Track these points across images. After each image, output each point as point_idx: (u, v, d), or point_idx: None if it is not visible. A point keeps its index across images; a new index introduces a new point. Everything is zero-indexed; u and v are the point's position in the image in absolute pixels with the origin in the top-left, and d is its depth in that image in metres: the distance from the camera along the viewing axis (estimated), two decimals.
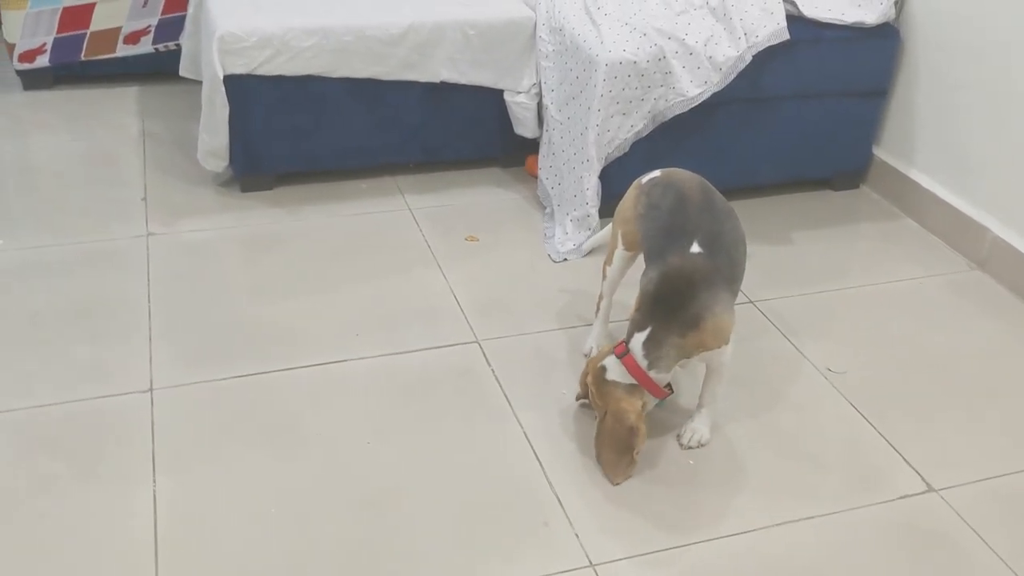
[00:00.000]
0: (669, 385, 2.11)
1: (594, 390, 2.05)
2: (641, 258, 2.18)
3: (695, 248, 2.01)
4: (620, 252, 2.27)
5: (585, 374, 2.12)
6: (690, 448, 2.14)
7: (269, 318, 2.50)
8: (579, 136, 2.85)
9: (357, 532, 1.88)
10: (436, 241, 2.88)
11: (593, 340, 2.41)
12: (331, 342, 2.41)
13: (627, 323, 2.04)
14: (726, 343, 2.03)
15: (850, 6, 2.96)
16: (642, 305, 2.01)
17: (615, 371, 2.01)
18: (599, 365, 2.03)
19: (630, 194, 2.25)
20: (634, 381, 1.99)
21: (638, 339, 1.98)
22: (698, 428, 2.15)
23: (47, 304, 2.51)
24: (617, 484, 2.03)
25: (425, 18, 2.97)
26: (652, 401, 2.06)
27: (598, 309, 2.41)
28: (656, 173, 2.22)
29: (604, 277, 2.35)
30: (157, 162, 3.24)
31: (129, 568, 1.78)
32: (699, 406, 2.16)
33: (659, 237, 2.08)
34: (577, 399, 2.24)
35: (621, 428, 1.99)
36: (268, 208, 3.01)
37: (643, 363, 1.98)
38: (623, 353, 2.00)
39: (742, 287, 2.69)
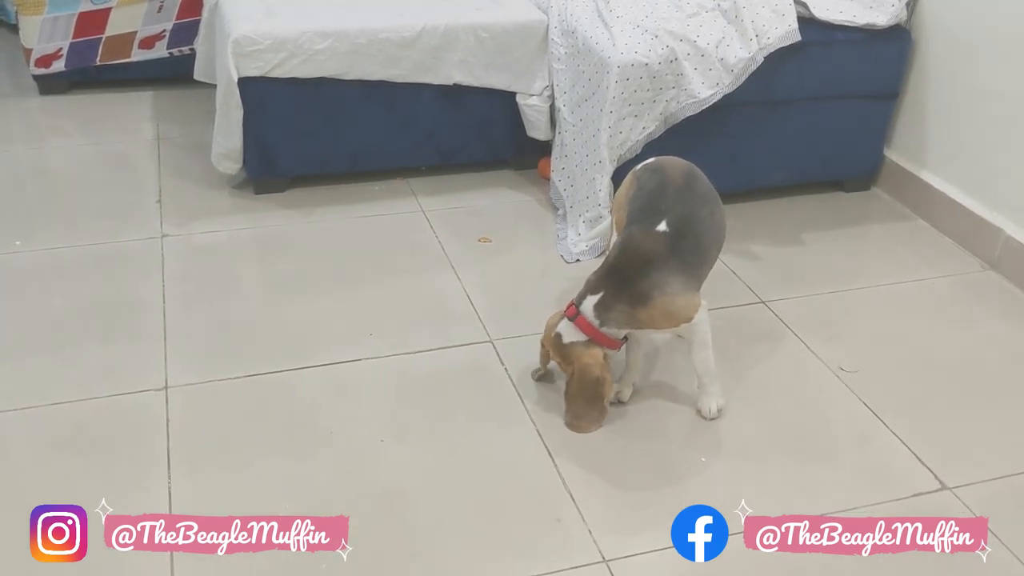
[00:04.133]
0: (625, 336, 2.19)
1: (558, 358, 2.17)
2: None
3: (662, 227, 2.10)
4: (615, 239, 2.33)
5: (543, 345, 2.22)
6: (713, 419, 2.20)
7: (283, 318, 2.52)
8: (591, 138, 2.86)
9: (370, 529, 1.89)
10: (449, 243, 2.89)
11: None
12: (344, 342, 2.43)
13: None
14: (686, 322, 2.11)
15: (861, 8, 2.96)
16: (599, 270, 2.12)
17: (570, 333, 2.12)
18: (554, 333, 2.14)
19: (626, 181, 2.34)
20: (588, 338, 2.11)
21: (590, 301, 2.09)
22: (709, 399, 2.21)
23: (63, 304, 2.53)
24: (589, 432, 2.16)
25: (438, 21, 2.99)
26: (611, 353, 2.16)
27: None
28: (651, 160, 2.32)
29: None
30: (172, 165, 3.27)
31: (144, 564, 1.79)
32: (699, 381, 2.22)
33: (635, 214, 2.18)
34: (535, 376, 2.31)
35: (588, 381, 2.11)
36: (281, 210, 3.03)
37: (595, 322, 2.09)
38: (574, 315, 2.11)
39: (752, 287, 2.73)
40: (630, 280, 2.07)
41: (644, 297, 2.06)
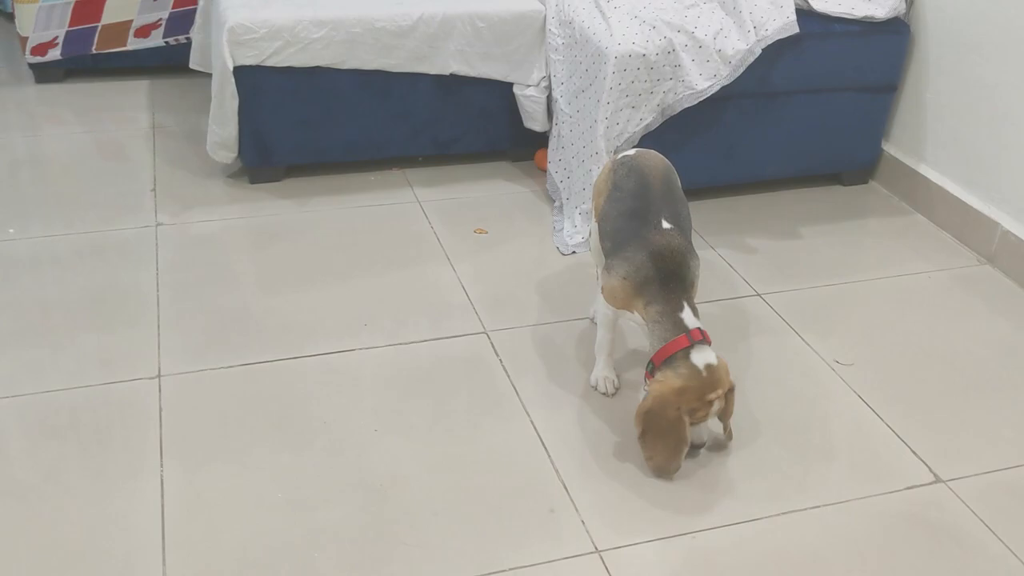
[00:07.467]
0: None
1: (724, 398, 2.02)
2: None
3: (666, 224, 2.11)
4: (594, 225, 2.35)
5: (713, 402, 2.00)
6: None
7: (277, 308, 2.51)
8: (588, 129, 2.85)
9: (363, 519, 1.88)
10: (445, 234, 2.88)
11: (595, 305, 2.49)
12: (339, 332, 2.42)
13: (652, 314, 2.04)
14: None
15: (860, 0, 2.95)
16: (657, 292, 2.03)
17: (710, 357, 1.98)
18: (709, 366, 1.97)
19: (604, 168, 2.33)
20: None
21: (690, 316, 2.01)
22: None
23: (57, 292, 2.52)
24: None
25: (435, 10, 2.98)
26: None
27: (597, 276, 2.48)
28: (630, 152, 2.31)
29: (591, 249, 2.47)
30: (167, 154, 3.25)
31: (136, 552, 1.78)
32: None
33: (621, 219, 2.15)
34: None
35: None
36: (277, 200, 3.02)
37: (702, 327, 2.02)
38: (700, 338, 1.98)
39: (748, 279, 2.73)
40: (682, 276, 2.05)
41: (691, 284, 2.08)
